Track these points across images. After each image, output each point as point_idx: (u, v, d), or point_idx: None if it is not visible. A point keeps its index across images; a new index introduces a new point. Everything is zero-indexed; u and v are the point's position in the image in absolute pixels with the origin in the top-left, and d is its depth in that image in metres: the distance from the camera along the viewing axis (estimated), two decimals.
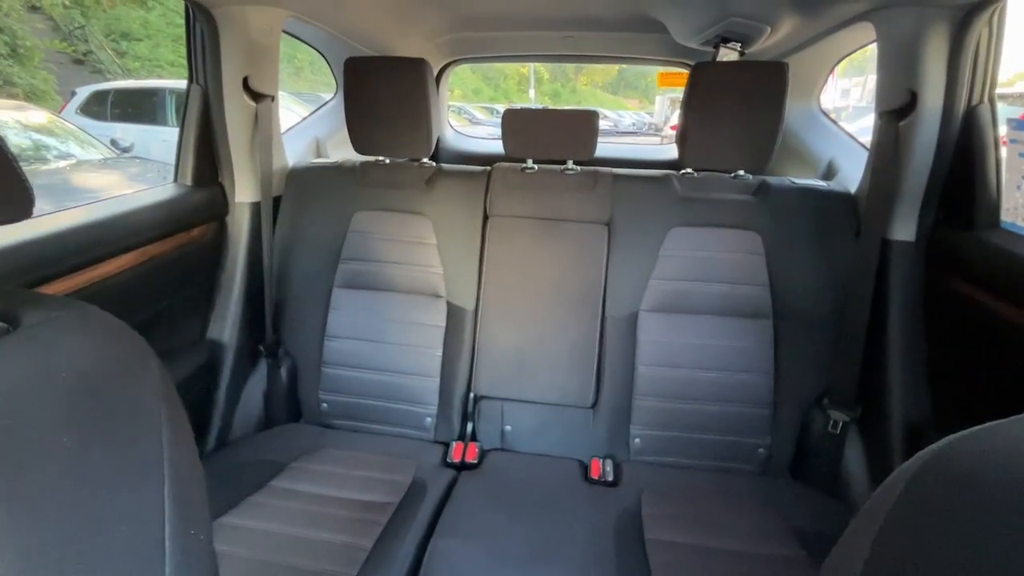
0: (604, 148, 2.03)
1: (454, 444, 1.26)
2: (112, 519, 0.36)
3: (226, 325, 1.34)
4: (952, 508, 0.25)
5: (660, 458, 1.23)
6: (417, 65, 1.25)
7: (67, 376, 0.35)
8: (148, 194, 1.18)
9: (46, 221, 0.94)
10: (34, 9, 7.94)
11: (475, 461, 1.23)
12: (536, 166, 1.37)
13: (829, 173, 1.55)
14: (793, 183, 1.28)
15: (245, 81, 1.27)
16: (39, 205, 0.45)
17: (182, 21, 1.28)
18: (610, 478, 1.18)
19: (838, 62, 1.62)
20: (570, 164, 1.36)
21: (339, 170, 1.42)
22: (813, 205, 1.23)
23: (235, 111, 1.28)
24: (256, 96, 1.30)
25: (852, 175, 1.35)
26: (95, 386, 0.37)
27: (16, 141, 4.07)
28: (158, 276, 1.18)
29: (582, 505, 1.09)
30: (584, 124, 1.32)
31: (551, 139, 1.34)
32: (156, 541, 0.39)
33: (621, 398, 1.26)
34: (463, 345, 1.33)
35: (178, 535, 0.40)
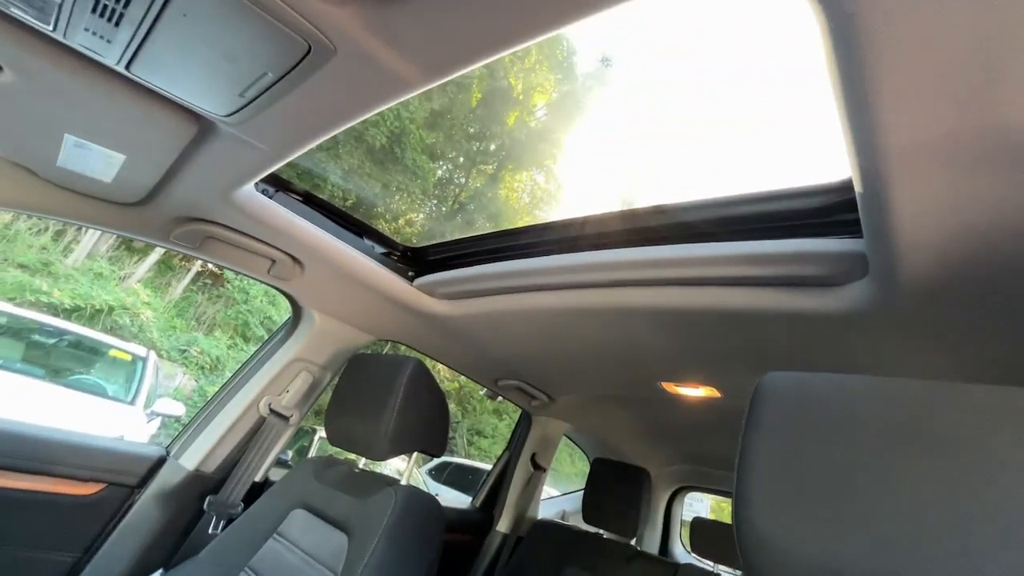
0: None
1: None
2: None
3: None
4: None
5: None
6: (639, 472, 1.83)
7: (417, 509, 0.98)
8: (459, 503, 1.95)
9: None
10: None
11: None
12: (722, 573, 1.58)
13: None
14: None
15: (533, 456, 2.08)
16: None
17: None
18: None
19: None
20: None
21: (568, 531, 1.92)
22: None
23: (520, 472, 2.06)
24: (536, 467, 2.08)
25: None
26: (421, 520, 0.98)
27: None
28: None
29: None
30: None
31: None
32: None
33: None
34: None
35: None
